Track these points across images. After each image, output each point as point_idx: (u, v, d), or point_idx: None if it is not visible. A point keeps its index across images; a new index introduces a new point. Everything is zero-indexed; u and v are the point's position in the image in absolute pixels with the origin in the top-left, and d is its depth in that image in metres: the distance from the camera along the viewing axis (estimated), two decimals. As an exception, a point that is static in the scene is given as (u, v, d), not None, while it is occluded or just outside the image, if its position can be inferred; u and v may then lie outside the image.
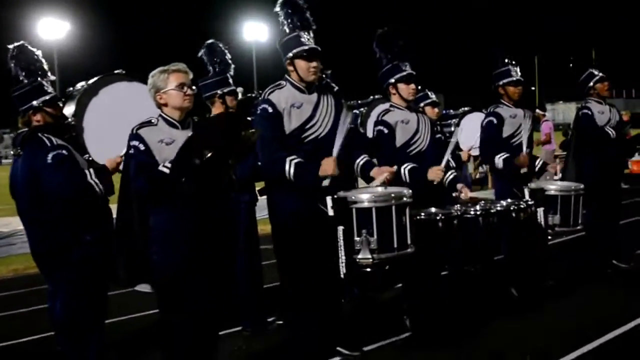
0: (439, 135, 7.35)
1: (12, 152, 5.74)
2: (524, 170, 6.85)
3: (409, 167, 5.78)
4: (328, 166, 4.84)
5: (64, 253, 5.13)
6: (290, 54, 5.12)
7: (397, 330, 5.93)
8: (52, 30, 44.94)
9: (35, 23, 44.42)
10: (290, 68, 5.17)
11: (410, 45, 6.08)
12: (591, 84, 8.02)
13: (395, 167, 5.38)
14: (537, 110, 14.76)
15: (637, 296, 6.87)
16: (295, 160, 4.92)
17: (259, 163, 5.17)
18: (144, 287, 4.56)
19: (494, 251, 6.97)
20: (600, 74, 8.00)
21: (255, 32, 53.51)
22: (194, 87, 4.45)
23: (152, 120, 4.40)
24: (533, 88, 63.15)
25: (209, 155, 4.03)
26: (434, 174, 5.72)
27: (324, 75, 7.05)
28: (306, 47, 5.09)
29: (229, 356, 5.68)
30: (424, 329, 5.83)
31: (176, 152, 4.24)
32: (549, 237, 6.97)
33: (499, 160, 6.92)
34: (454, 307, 6.36)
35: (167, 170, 4.19)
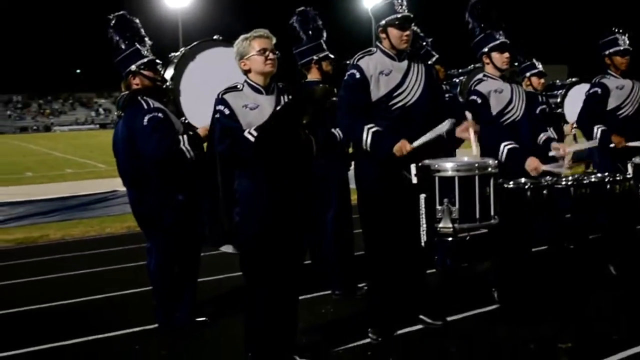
0: (543, 106, 7.20)
1: (115, 114, 6.01)
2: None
3: (509, 145, 5.56)
4: (403, 149, 4.83)
5: (158, 212, 5.36)
6: (383, 22, 5.10)
7: (483, 302, 5.86)
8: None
9: None
10: (383, 35, 5.15)
11: (503, 14, 5.93)
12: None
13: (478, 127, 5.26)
14: None
15: None
16: (373, 129, 4.93)
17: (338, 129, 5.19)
18: (228, 248, 4.68)
19: (589, 226, 6.78)
20: None
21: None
22: (277, 52, 4.50)
23: (238, 86, 4.50)
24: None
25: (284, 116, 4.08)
26: (533, 164, 5.47)
27: (424, 44, 7.00)
28: (399, 15, 5.05)
29: (317, 317, 5.80)
30: (511, 302, 5.74)
31: (261, 119, 4.33)
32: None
33: (597, 130, 6.70)
34: (546, 283, 6.24)
35: (251, 138, 4.27)
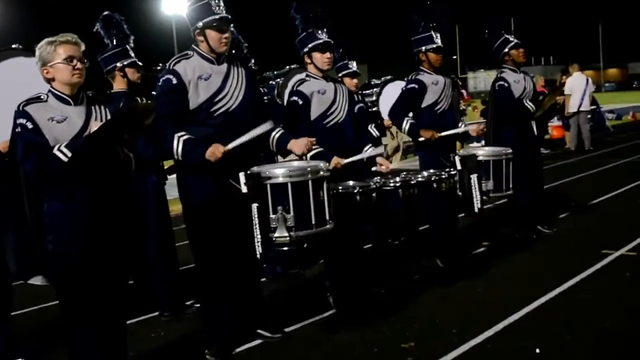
0: (360, 105, 7.17)
1: None
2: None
3: (312, 152, 5.31)
4: (216, 153, 4.55)
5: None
6: (200, 24, 4.78)
7: (320, 308, 5.73)
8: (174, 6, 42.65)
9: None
10: (200, 38, 4.83)
11: (326, 12, 5.81)
12: (506, 49, 7.84)
13: (314, 139, 5.09)
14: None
15: (560, 262, 6.81)
16: (184, 137, 4.62)
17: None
18: (37, 280, 4.20)
19: (417, 222, 6.86)
20: (515, 40, 7.83)
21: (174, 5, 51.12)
22: (85, 61, 4.06)
23: (41, 96, 4.00)
24: (455, 57, 63.77)
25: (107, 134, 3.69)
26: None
27: (244, 50, 6.76)
28: (217, 17, 4.76)
29: (147, 342, 5.41)
30: (348, 306, 5.64)
31: (70, 132, 3.87)
32: (485, 205, 6.85)
33: (406, 123, 6.81)
34: (378, 282, 6.21)
35: (64, 158, 3.79)
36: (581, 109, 16.53)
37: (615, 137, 19.77)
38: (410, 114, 6.94)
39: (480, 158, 6.59)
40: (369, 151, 5.58)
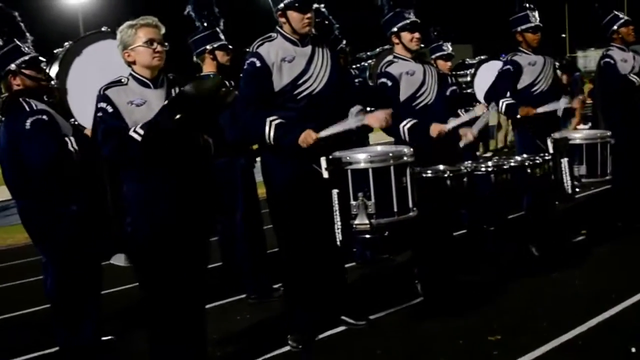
0: (453, 88, 6.97)
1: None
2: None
3: (408, 124, 5.33)
4: (308, 139, 4.49)
5: (49, 225, 4.87)
6: (282, 5, 4.70)
7: (407, 296, 5.59)
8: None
9: None
10: (282, 19, 4.76)
11: None
12: (615, 27, 7.43)
13: (390, 110, 4.92)
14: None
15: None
16: (276, 121, 4.56)
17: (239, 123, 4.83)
18: (120, 261, 4.25)
19: (510, 208, 6.62)
20: (625, 17, 7.41)
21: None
22: (166, 44, 4.05)
23: (122, 80, 4.02)
24: (564, 35, 61.60)
25: (180, 117, 3.66)
26: (436, 129, 5.30)
27: (334, 31, 6.65)
28: None
29: (232, 325, 5.44)
30: (436, 294, 5.50)
31: (149, 116, 3.87)
32: (577, 190, 6.54)
33: (502, 104, 6.52)
34: (469, 270, 6.02)
35: (138, 137, 3.81)
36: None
37: None
38: (508, 94, 6.67)
39: (573, 142, 6.26)
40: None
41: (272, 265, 5.83)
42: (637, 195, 7.44)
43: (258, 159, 5.49)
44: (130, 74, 4.04)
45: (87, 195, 4.81)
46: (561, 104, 6.44)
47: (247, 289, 5.97)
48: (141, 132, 3.81)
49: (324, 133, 4.50)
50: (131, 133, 3.83)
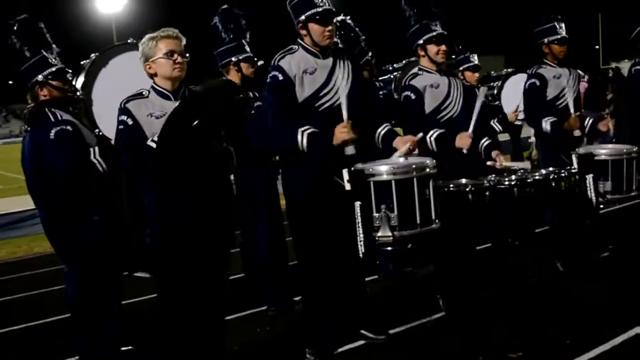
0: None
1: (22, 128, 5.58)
2: (577, 133, 6.33)
3: (435, 134, 5.30)
4: (342, 133, 4.48)
5: (72, 235, 4.91)
6: (303, 17, 4.70)
7: (429, 310, 5.54)
8: (110, 4, 44.64)
9: None
10: (303, 32, 4.76)
11: (441, 2, 5.61)
12: None
13: (420, 135, 4.93)
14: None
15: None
16: (308, 131, 4.55)
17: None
18: (143, 274, 4.26)
19: (536, 222, 6.54)
20: None
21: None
22: (187, 55, 4.08)
23: (143, 92, 4.08)
24: (597, 47, 61.03)
25: (196, 125, 3.67)
26: (462, 141, 5.25)
27: (361, 43, 6.64)
28: (320, 9, 4.66)
29: (251, 337, 5.43)
30: (458, 308, 5.44)
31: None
32: (601, 206, 6.44)
33: (546, 124, 6.40)
34: (492, 284, 5.95)
35: (154, 145, 3.84)
36: None
37: None
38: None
39: (598, 157, 6.16)
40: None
41: (294, 278, 5.82)
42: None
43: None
44: (152, 86, 4.09)
45: (109, 205, 4.84)
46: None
47: (268, 301, 5.95)
48: (156, 139, 3.83)
49: (345, 116, 4.51)
50: (149, 143, 3.86)
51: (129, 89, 4.40)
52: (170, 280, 4.03)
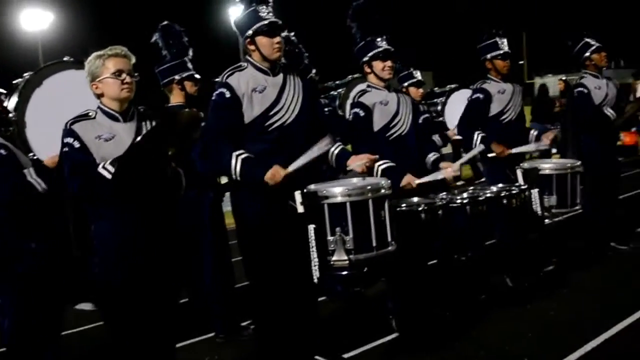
0: (425, 115, 6.88)
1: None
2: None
3: (384, 165, 5.17)
4: (276, 176, 4.31)
5: (6, 261, 4.62)
6: (250, 31, 4.56)
7: (382, 332, 5.42)
8: (35, 22, 43.62)
9: (18, 14, 43.15)
10: (251, 47, 4.61)
11: (387, 18, 5.54)
12: (587, 54, 7.42)
13: (377, 156, 4.81)
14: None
15: (638, 282, 6.36)
16: (243, 156, 4.39)
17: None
18: (85, 306, 4.03)
19: (484, 237, 6.51)
20: (597, 44, 7.40)
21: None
22: (136, 74, 3.87)
23: (90, 113, 3.85)
24: (521, 62, 62.42)
25: (149, 147, 3.47)
26: (408, 180, 5.19)
27: (304, 60, 6.53)
28: (267, 22, 4.53)
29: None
30: (411, 328, 5.33)
31: (118, 151, 3.68)
32: (546, 220, 6.46)
33: (477, 137, 6.42)
34: (443, 302, 5.87)
35: (108, 175, 3.62)
36: (658, 113, 15.84)
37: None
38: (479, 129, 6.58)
39: (543, 172, 6.19)
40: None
41: (241, 302, 5.64)
42: (608, 223, 7.41)
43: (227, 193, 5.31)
44: (99, 107, 3.86)
45: (49, 232, 4.59)
46: (533, 147, 6.42)
47: (216, 327, 5.74)
48: (111, 169, 3.62)
49: (292, 167, 4.33)
50: (100, 170, 3.65)
51: (68, 110, 4.17)
52: (120, 310, 3.81)
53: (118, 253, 3.78)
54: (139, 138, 3.71)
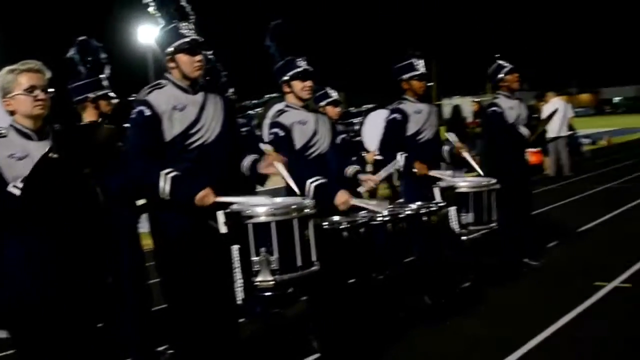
0: (343, 135, 6.91)
1: None
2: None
3: (316, 182, 5.15)
4: (205, 200, 4.23)
5: None
6: (171, 48, 4.45)
7: (303, 353, 5.38)
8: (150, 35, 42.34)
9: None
10: (172, 64, 4.50)
11: (305, 38, 5.55)
12: (501, 75, 7.65)
13: (285, 159, 4.70)
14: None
15: (552, 297, 6.53)
16: (172, 175, 4.27)
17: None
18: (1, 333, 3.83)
19: (403, 255, 6.55)
20: (510, 65, 7.64)
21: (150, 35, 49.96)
22: (51, 90, 3.72)
23: (2, 131, 3.67)
24: (430, 84, 63.78)
25: (62, 164, 3.33)
26: (341, 199, 5.16)
27: (222, 78, 6.45)
28: (188, 39, 4.44)
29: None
30: (331, 349, 5.30)
31: (29, 169, 3.52)
32: (463, 237, 6.56)
33: (400, 158, 6.50)
34: (363, 321, 5.86)
35: (17, 192, 3.46)
36: (560, 134, 16.46)
37: (592, 163, 19.68)
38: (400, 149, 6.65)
39: (459, 190, 6.30)
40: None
41: (158, 325, 5.48)
42: (521, 239, 7.60)
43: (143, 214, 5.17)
44: (11, 125, 3.69)
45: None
46: (448, 177, 6.53)
47: (131, 353, 5.55)
48: (20, 185, 3.46)
49: (223, 199, 4.25)
50: (9, 188, 3.48)
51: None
52: (31, 334, 3.62)
53: (28, 276, 3.60)
54: (47, 150, 3.53)
